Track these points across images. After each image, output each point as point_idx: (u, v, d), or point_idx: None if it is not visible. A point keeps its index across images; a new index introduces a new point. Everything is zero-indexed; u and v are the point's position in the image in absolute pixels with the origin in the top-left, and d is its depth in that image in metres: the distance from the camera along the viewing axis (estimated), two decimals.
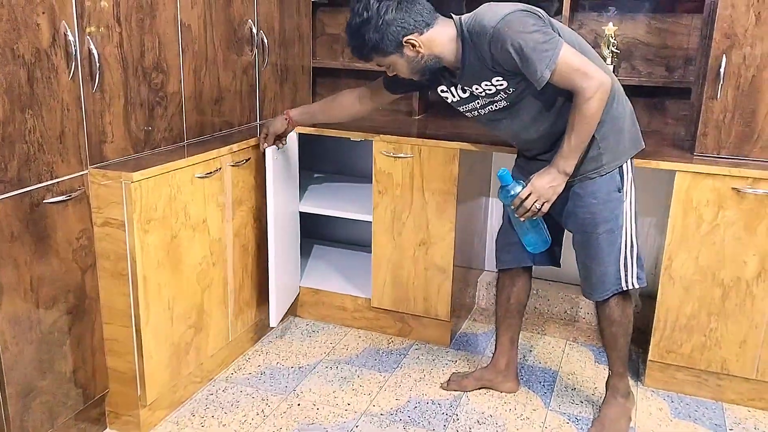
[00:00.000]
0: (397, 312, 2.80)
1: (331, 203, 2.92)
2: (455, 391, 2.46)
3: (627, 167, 2.09)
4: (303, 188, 3.04)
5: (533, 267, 2.38)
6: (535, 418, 2.32)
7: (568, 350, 2.77)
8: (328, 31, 3.30)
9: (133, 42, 2.09)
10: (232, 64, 2.58)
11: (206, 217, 2.31)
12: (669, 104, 2.83)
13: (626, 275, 2.12)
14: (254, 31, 2.68)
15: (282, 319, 2.85)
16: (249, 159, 2.50)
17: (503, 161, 3.07)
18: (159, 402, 2.22)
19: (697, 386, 2.45)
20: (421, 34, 1.96)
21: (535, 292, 3.02)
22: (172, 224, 2.15)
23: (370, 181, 2.71)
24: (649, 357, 2.47)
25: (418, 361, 2.65)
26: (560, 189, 2.00)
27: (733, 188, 2.21)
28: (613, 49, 2.70)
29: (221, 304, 2.46)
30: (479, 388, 2.46)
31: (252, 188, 2.55)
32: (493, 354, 2.46)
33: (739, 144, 2.30)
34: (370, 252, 2.78)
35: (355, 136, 2.68)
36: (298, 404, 2.36)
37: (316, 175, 3.30)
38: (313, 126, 2.70)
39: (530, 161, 2.17)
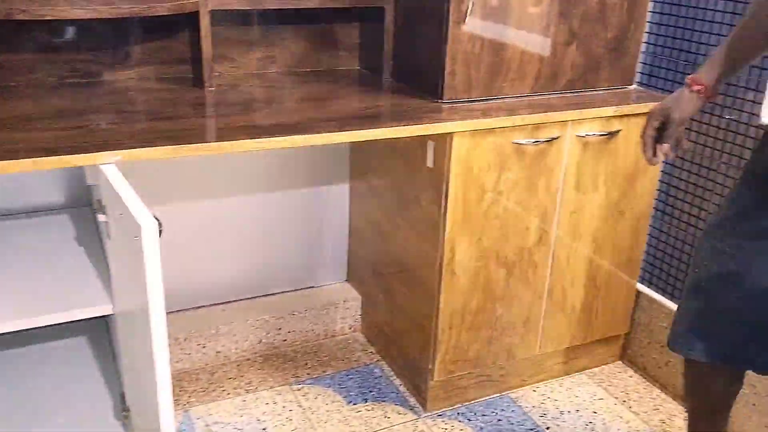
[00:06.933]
0: None
1: None
2: None
3: None
4: None
5: None
6: None
7: None
8: None
9: None
10: None
11: None
12: (339, 31, 2.05)
13: None
14: None
15: None
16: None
17: None
18: None
19: (480, 386, 1.98)
20: None
21: None
22: None
23: None
24: (435, 378, 1.86)
25: None
26: None
27: (514, 143, 1.68)
28: None
29: None
30: None
31: None
32: None
33: (489, 81, 1.75)
34: None
35: None
36: None
37: None
38: None
39: None
